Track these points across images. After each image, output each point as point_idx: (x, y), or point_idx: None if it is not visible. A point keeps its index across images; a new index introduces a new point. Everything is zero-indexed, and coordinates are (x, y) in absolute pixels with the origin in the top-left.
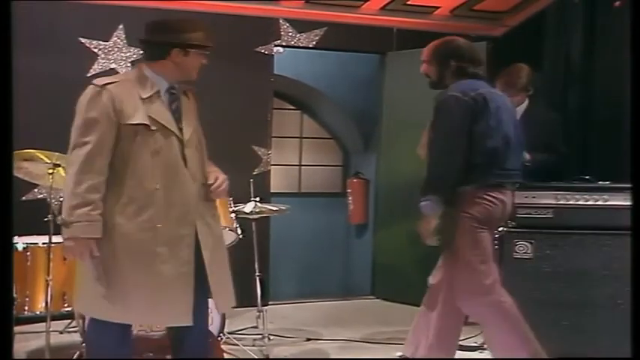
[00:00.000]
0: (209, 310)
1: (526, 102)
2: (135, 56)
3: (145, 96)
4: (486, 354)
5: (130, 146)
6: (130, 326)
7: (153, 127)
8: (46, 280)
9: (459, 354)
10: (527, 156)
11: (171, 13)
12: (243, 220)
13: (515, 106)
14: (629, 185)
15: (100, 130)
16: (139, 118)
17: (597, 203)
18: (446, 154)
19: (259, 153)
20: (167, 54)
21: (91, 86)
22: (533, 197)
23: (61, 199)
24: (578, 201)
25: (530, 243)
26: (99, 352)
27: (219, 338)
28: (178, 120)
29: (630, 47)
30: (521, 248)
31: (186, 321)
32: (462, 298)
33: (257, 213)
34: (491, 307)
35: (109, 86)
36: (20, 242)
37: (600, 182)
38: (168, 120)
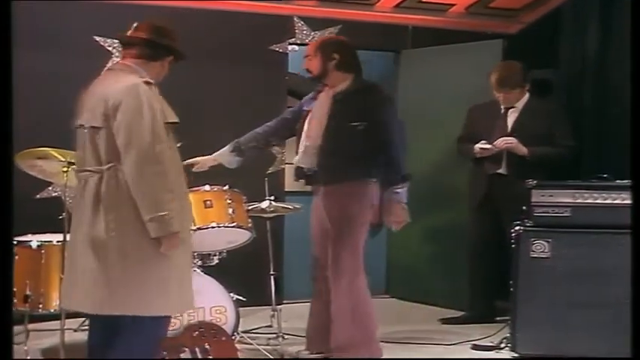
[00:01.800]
0: (224, 309)
1: (526, 96)
2: None
3: (159, 95)
4: (502, 354)
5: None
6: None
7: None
8: (61, 278)
9: (474, 353)
10: (524, 150)
11: (175, 13)
12: (257, 219)
13: (512, 102)
14: None
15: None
16: (173, 117)
17: (615, 202)
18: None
19: (273, 152)
20: (163, 57)
21: (143, 82)
22: (551, 196)
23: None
24: (596, 199)
25: (548, 242)
26: (146, 348)
27: (233, 337)
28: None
29: (630, 47)
30: (539, 247)
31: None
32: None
33: (271, 212)
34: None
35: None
36: (35, 240)
37: (618, 181)
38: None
